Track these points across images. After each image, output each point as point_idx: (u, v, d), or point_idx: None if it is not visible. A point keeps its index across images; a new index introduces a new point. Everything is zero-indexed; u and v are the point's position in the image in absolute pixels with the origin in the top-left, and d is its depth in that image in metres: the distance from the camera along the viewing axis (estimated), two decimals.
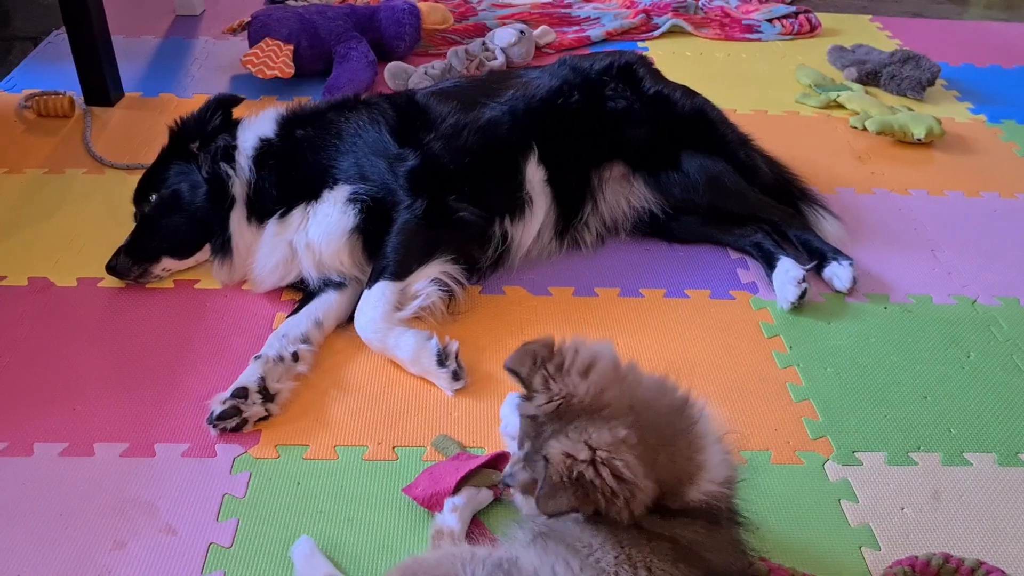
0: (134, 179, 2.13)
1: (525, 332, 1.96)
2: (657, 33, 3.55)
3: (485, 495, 1.51)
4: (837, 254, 2.16)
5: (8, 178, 2.44)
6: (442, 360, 1.79)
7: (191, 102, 2.85)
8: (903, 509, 1.58)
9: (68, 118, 2.74)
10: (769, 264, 2.14)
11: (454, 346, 1.81)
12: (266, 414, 1.69)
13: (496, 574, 1.18)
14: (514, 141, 2.12)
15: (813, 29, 3.66)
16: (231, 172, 2.01)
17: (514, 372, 1.21)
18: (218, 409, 1.66)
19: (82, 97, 2.80)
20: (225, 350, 1.87)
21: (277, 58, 2.89)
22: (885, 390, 1.84)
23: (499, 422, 1.66)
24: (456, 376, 1.78)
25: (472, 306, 2.02)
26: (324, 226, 1.95)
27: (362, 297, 1.90)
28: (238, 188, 2.01)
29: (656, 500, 1.13)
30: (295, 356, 1.80)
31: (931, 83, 3.12)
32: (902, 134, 2.78)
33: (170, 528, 1.48)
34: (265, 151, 2.03)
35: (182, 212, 2.02)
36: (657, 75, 2.35)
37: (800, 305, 2.03)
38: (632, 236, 2.28)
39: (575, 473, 1.09)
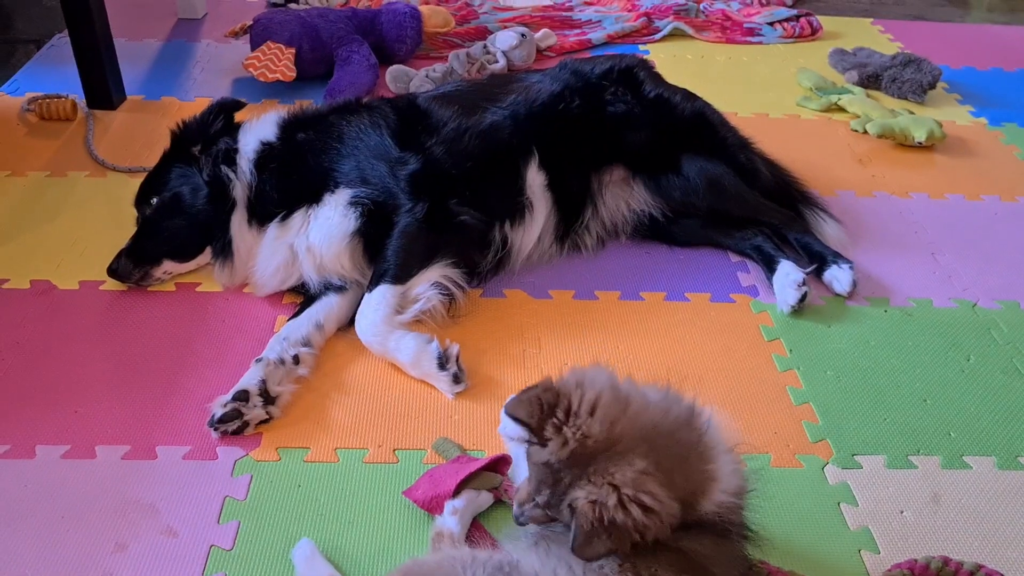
0: (136, 182, 2.13)
1: (525, 335, 1.96)
2: (658, 36, 3.55)
3: (485, 498, 1.52)
4: (837, 257, 2.16)
5: (10, 181, 2.45)
6: (443, 363, 1.79)
7: (193, 105, 2.86)
8: (902, 512, 1.58)
9: (70, 121, 2.74)
10: (769, 267, 2.14)
11: (455, 349, 1.82)
12: (267, 417, 1.70)
13: None
14: (515, 145, 2.12)
15: (814, 32, 3.66)
16: (232, 175, 2.02)
17: (523, 422, 1.18)
18: (219, 412, 1.67)
19: (84, 100, 2.81)
20: (226, 353, 1.88)
21: (279, 61, 2.90)
22: (885, 393, 1.84)
23: (498, 426, 1.67)
24: (457, 379, 1.79)
25: (473, 309, 2.03)
26: (325, 229, 1.95)
27: (363, 300, 1.91)
28: (239, 191, 2.02)
29: None
30: (296, 359, 1.81)
31: (932, 86, 3.13)
32: (903, 137, 2.79)
33: (171, 530, 1.49)
34: (266, 154, 2.04)
35: (183, 215, 2.03)
36: (658, 79, 2.36)
37: (800, 308, 2.04)
38: (632, 239, 2.29)
39: (606, 519, 1.09)
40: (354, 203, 1.96)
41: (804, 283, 2.05)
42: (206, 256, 2.07)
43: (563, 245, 2.21)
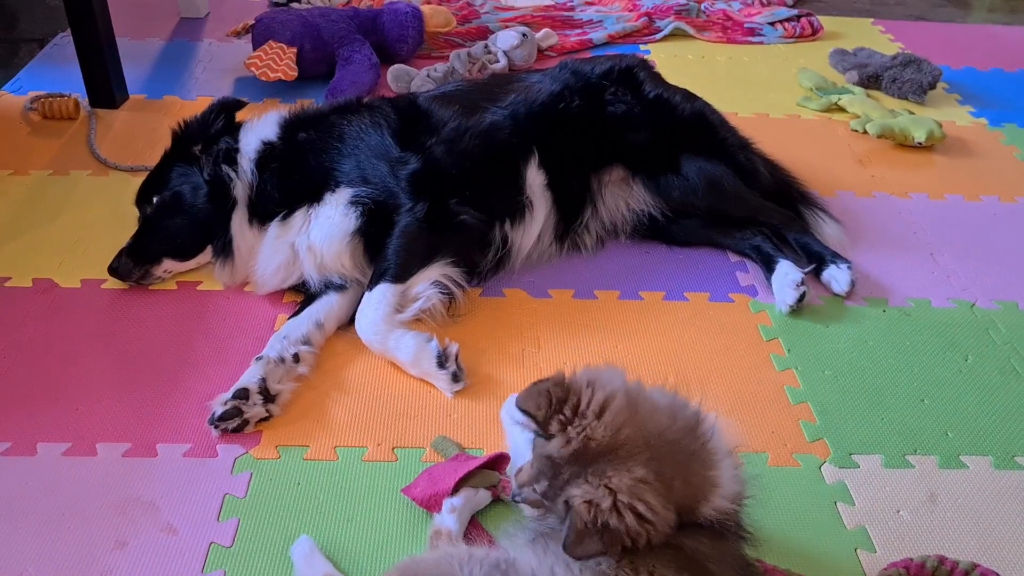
0: (138, 181, 2.14)
1: (525, 335, 1.97)
2: (659, 36, 3.56)
3: (483, 496, 1.52)
4: (836, 257, 2.16)
5: (13, 180, 2.46)
6: (442, 362, 1.80)
7: (195, 104, 2.87)
8: (899, 512, 1.59)
9: (73, 120, 2.75)
10: (768, 267, 2.15)
11: (454, 348, 1.83)
12: (267, 415, 1.71)
13: (493, 575, 1.19)
14: (515, 145, 2.13)
15: (815, 32, 3.67)
16: (233, 174, 2.02)
17: (529, 414, 1.20)
18: (219, 410, 1.68)
19: (87, 99, 2.82)
20: (227, 351, 1.89)
21: (280, 61, 2.90)
22: (883, 393, 1.85)
23: (498, 424, 1.68)
24: (456, 378, 1.79)
25: (472, 308, 2.03)
26: (326, 229, 1.96)
27: (363, 299, 1.92)
28: (240, 190, 2.02)
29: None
30: (296, 357, 1.82)
31: (932, 86, 3.13)
32: (903, 137, 2.79)
33: (171, 527, 1.50)
34: (267, 154, 2.05)
35: (183, 214, 2.04)
36: (658, 79, 2.36)
37: (799, 308, 2.04)
38: (632, 239, 2.29)
39: (600, 521, 1.11)
40: (355, 202, 1.97)
41: (803, 283, 2.05)
42: (207, 255, 2.08)
43: (563, 244, 2.22)
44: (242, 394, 1.70)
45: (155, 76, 3.08)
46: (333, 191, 1.99)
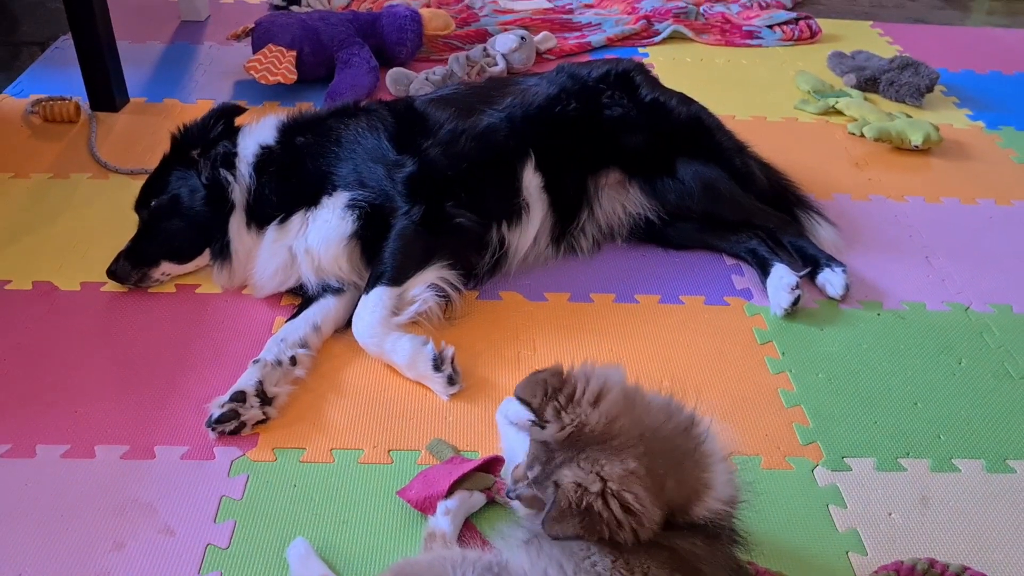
0: (138, 184, 2.16)
1: (521, 337, 1.98)
2: (658, 39, 3.57)
3: (478, 498, 1.54)
4: (831, 261, 2.17)
5: (14, 183, 2.47)
6: (438, 365, 1.81)
7: (195, 107, 2.88)
8: (891, 515, 1.59)
9: (74, 123, 2.77)
10: (763, 270, 2.16)
11: (450, 351, 1.84)
12: (264, 417, 1.72)
13: None
14: (511, 148, 2.14)
15: (813, 35, 3.67)
16: (231, 178, 2.04)
17: (525, 402, 1.23)
18: (217, 412, 1.69)
19: (88, 102, 2.83)
20: (224, 354, 1.90)
21: (280, 64, 2.92)
22: (876, 396, 1.86)
23: (494, 426, 1.69)
24: (451, 381, 1.81)
25: (469, 311, 2.05)
26: (323, 232, 1.98)
27: (360, 302, 1.93)
28: (237, 194, 2.04)
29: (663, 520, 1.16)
30: (293, 360, 1.83)
31: (930, 89, 3.14)
32: (899, 140, 2.80)
33: (168, 529, 1.51)
34: (265, 158, 2.06)
35: (181, 217, 2.05)
36: (654, 82, 2.37)
37: (793, 311, 2.05)
38: (628, 242, 2.31)
39: (584, 503, 1.12)
40: (352, 206, 1.98)
41: (797, 286, 2.06)
42: (205, 258, 2.09)
43: (559, 247, 2.23)
44: (239, 397, 1.71)
45: (155, 79, 3.10)
46: (330, 195, 2.00)
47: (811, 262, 2.18)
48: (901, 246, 2.37)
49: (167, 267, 2.07)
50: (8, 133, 2.71)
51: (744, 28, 3.68)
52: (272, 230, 2.02)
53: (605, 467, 1.15)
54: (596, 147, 2.23)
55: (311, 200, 2.01)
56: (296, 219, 2.01)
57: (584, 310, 2.09)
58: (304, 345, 1.88)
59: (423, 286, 1.94)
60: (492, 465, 1.58)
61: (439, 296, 1.96)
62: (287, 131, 2.11)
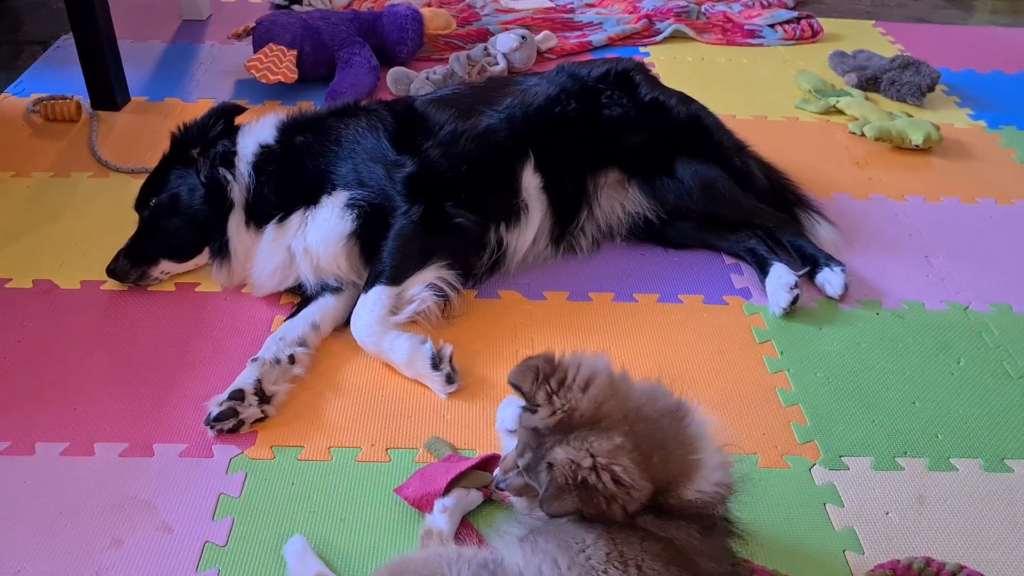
0: (139, 183, 2.16)
1: (519, 336, 1.99)
2: (659, 38, 3.57)
3: (475, 496, 1.54)
4: (830, 260, 2.17)
5: (15, 181, 2.48)
6: (436, 364, 1.81)
7: (196, 106, 2.89)
8: (888, 514, 1.60)
9: (75, 122, 2.78)
10: (762, 270, 2.16)
11: (448, 350, 1.84)
12: (262, 416, 1.73)
13: (481, 574, 1.21)
14: (511, 148, 2.15)
15: (815, 34, 3.67)
16: (230, 177, 2.04)
17: (517, 387, 1.26)
18: (215, 411, 1.70)
19: (89, 101, 2.84)
20: (224, 352, 1.91)
21: (281, 63, 2.92)
22: (874, 395, 1.86)
23: (492, 425, 1.70)
24: (450, 379, 1.81)
25: (467, 310, 2.05)
26: (322, 231, 1.98)
27: (358, 301, 1.93)
28: (236, 193, 2.04)
29: (652, 497, 1.18)
30: (291, 359, 1.84)
31: (931, 89, 3.13)
32: (900, 140, 2.80)
33: (166, 526, 1.52)
34: (265, 157, 2.06)
35: (180, 216, 2.06)
36: (654, 82, 2.37)
37: (792, 311, 2.05)
38: (627, 241, 2.31)
39: (579, 477, 1.15)
40: (351, 205, 1.99)
41: (796, 286, 2.06)
42: (204, 257, 2.09)
43: (558, 247, 2.24)
44: (238, 395, 1.72)
45: (156, 78, 3.10)
46: (329, 194, 2.01)
47: (810, 261, 2.18)
48: (901, 245, 2.36)
49: (166, 265, 2.08)
50: (9, 132, 2.72)
51: (745, 27, 3.68)
52: (271, 229, 2.03)
53: (594, 444, 1.18)
54: (595, 147, 2.23)
55: (310, 199, 2.02)
56: (295, 218, 2.02)
57: (583, 309, 2.09)
58: (303, 344, 1.88)
59: (422, 285, 1.95)
60: (489, 463, 1.58)
61: (438, 295, 1.97)
62: (287, 130, 2.12)
